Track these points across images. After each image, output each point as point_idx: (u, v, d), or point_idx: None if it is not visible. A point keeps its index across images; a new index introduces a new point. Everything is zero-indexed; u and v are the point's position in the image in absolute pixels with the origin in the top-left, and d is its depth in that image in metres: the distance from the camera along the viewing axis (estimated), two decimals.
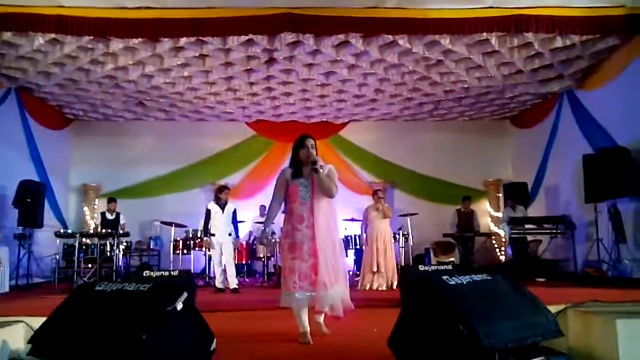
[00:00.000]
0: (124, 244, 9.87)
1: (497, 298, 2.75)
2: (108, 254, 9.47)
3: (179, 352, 2.60)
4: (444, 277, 2.77)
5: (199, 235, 9.52)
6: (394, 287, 7.93)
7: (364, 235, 8.58)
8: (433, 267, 6.11)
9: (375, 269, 8.12)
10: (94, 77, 9.12)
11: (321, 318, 4.03)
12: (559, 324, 2.79)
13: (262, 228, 4.29)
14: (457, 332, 2.41)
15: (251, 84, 9.71)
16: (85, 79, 9.14)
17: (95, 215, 11.38)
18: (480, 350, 2.35)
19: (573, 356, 4.41)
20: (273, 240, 9.11)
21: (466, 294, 2.62)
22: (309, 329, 3.86)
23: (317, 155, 3.96)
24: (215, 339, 2.94)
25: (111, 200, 10.36)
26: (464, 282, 2.75)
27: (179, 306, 2.66)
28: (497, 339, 2.40)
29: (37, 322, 3.04)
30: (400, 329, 2.78)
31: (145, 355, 2.39)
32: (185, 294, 2.73)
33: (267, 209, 4.37)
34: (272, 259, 10.03)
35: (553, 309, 3.06)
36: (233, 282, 8.08)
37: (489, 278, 2.95)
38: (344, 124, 12.28)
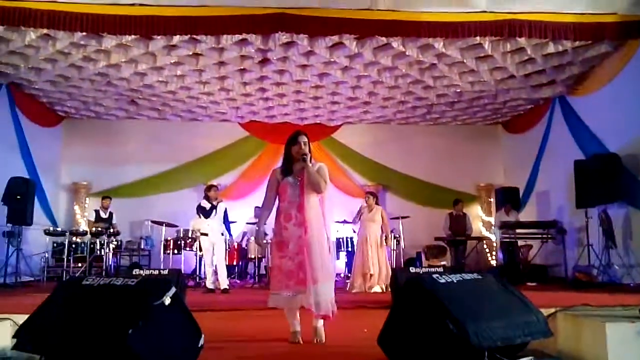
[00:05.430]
0: (114, 243, 9.80)
1: (486, 297, 2.74)
2: (98, 252, 9.41)
3: (166, 347, 2.57)
4: (434, 276, 2.76)
5: (190, 235, 9.47)
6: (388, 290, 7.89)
7: (357, 222, 8.57)
8: (424, 270, 6.08)
9: (366, 271, 8.09)
10: (86, 75, 9.07)
11: (319, 323, 3.81)
12: (548, 324, 2.78)
13: (256, 228, 4.22)
14: (447, 329, 2.39)
15: (244, 84, 9.69)
16: (77, 76, 9.09)
17: (86, 214, 11.31)
18: (469, 348, 2.34)
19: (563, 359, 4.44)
20: (265, 242, 9.06)
21: (456, 292, 2.61)
22: (299, 328, 3.80)
23: (310, 151, 3.91)
24: (203, 336, 2.91)
25: (105, 197, 10.32)
26: (454, 281, 2.74)
27: (167, 301, 2.63)
28: (486, 338, 2.39)
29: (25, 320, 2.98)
30: (390, 327, 2.77)
31: (131, 350, 2.36)
32: (173, 289, 2.70)
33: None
34: (263, 260, 9.98)
35: (543, 312, 3.05)
36: (224, 283, 8.02)
37: (479, 277, 2.94)
38: (337, 127, 12.29)
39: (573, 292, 6.90)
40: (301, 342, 3.72)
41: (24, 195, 8.58)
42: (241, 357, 3.33)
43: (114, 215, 10.13)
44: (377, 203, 8.61)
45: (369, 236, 8.27)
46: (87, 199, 11.61)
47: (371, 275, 8.06)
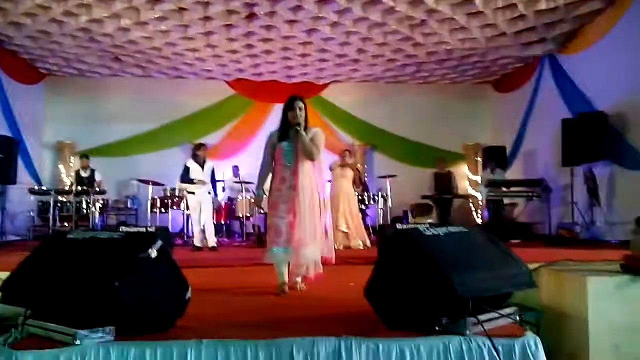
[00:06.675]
0: (101, 202, 9.74)
1: (472, 249, 2.76)
2: (84, 212, 9.36)
3: (152, 299, 2.57)
4: (421, 228, 2.78)
5: (176, 194, 9.44)
6: (368, 245, 7.98)
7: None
8: (411, 226, 6.12)
9: (342, 228, 8.09)
10: (68, 30, 8.80)
11: (299, 277, 4.05)
12: (532, 275, 2.82)
13: (255, 191, 4.32)
14: (432, 280, 2.42)
15: (231, 40, 9.47)
16: (58, 32, 8.82)
17: (72, 173, 11.19)
18: (455, 298, 2.37)
19: (545, 312, 4.54)
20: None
21: (442, 244, 2.63)
22: (286, 279, 3.94)
23: (306, 117, 3.99)
24: (190, 288, 2.91)
25: (83, 156, 10.18)
26: (441, 234, 2.75)
27: (153, 254, 2.61)
28: (471, 288, 2.41)
29: None
30: (377, 279, 2.79)
31: (117, 302, 2.36)
32: (159, 242, 2.68)
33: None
34: (250, 218, 10.01)
35: None
36: (212, 241, 8.05)
37: (466, 230, 2.97)
38: (326, 85, 12.15)
39: (556, 249, 7.00)
40: (287, 292, 3.85)
41: (6, 153, 8.43)
42: (228, 310, 3.36)
43: (95, 173, 9.98)
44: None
45: (341, 192, 8.23)
46: (72, 157, 11.46)
47: (343, 232, 8.06)
